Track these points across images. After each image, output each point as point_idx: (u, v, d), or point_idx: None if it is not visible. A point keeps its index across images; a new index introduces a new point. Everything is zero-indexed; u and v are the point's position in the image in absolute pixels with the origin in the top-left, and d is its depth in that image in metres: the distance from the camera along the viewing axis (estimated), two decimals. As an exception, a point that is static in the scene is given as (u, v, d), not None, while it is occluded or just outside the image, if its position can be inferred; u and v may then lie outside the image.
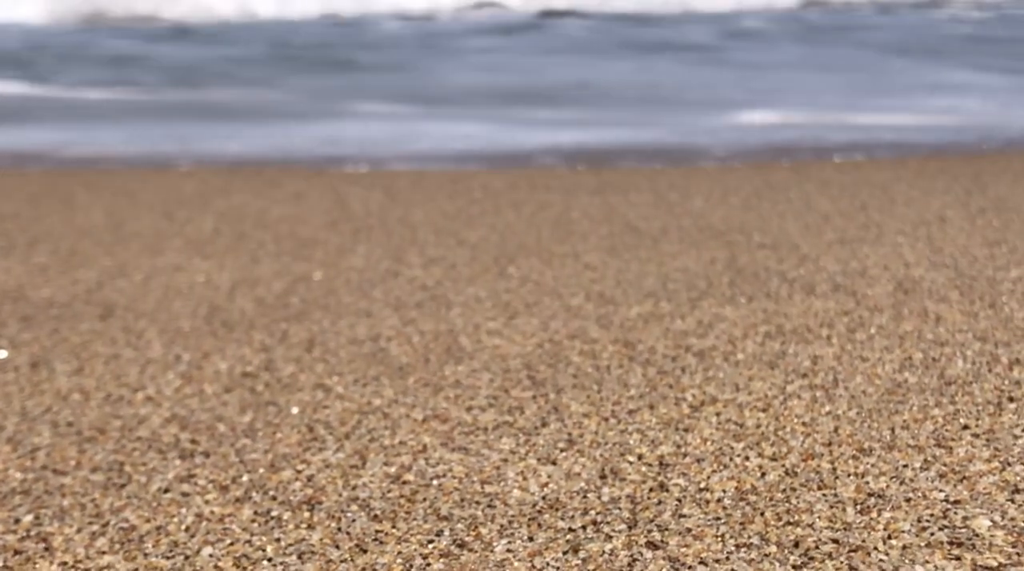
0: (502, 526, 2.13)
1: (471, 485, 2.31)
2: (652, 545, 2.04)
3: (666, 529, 2.10)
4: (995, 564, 1.93)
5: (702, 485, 2.28)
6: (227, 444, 2.56)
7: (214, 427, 2.67)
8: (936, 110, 8.55)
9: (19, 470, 2.46)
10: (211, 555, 2.06)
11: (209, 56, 13.09)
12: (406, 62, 12.48)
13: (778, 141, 7.28)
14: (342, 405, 2.78)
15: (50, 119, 8.63)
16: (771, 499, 2.20)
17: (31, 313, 3.66)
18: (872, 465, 2.34)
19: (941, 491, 2.21)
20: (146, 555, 2.07)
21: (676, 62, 12.26)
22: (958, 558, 1.95)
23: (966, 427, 2.53)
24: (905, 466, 2.33)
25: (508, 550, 2.04)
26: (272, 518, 2.19)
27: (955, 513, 2.11)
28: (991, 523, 2.07)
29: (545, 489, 2.28)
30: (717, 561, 1.97)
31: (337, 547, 2.07)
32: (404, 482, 2.34)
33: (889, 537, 2.03)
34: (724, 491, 2.25)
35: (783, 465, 2.36)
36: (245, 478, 2.38)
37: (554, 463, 2.41)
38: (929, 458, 2.37)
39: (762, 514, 2.14)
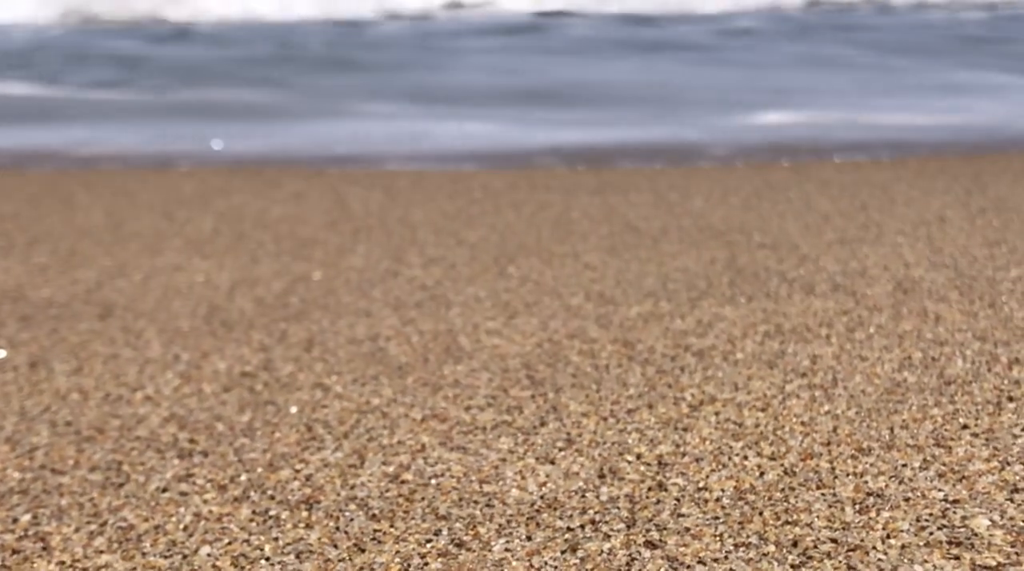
0: (500, 525, 2.13)
1: (469, 484, 2.31)
2: (650, 544, 2.04)
3: (664, 528, 2.09)
4: (994, 564, 1.92)
5: (701, 484, 2.28)
6: (225, 443, 2.56)
7: (213, 426, 2.66)
8: (937, 110, 8.55)
9: (17, 470, 2.46)
10: (209, 554, 2.06)
11: (212, 57, 13.09)
12: (410, 62, 12.49)
13: (787, 140, 7.27)
14: (341, 404, 2.78)
15: (59, 119, 8.64)
16: (770, 498, 2.20)
17: (30, 313, 3.66)
18: (871, 465, 2.34)
19: (940, 490, 2.20)
20: (144, 554, 2.06)
21: (679, 62, 12.26)
22: (957, 558, 1.95)
23: (965, 427, 2.52)
24: (904, 465, 2.33)
25: (506, 549, 2.04)
26: (270, 517, 2.19)
27: (954, 512, 2.11)
28: (990, 522, 2.07)
29: (543, 488, 2.28)
30: (715, 560, 1.97)
31: (335, 546, 2.07)
32: (402, 481, 2.33)
33: (888, 536, 2.03)
34: (723, 490, 2.24)
35: (782, 464, 2.35)
36: (243, 477, 2.38)
37: (553, 462, 2.41)
38: (928, 458, 2.36)
39: (761, 513, 2.14)
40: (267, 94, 10.05)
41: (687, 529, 2.09)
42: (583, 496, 2.24)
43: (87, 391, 2.93)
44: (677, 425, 2.58)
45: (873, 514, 2.12)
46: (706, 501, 2.20)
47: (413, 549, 2.05)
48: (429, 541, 2.08)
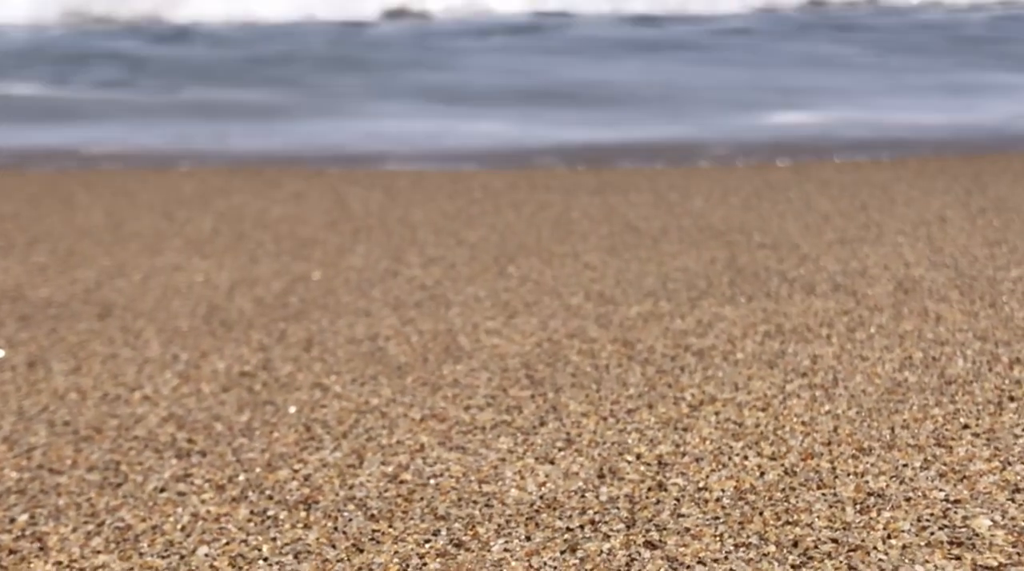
0: (499, 525, 2.12)
1: (468, 484, 2.30)
2: (650, 545, 2.03)
3: (664, 529, 2.09)
4: (995, 564, 1.91)
5: (701, 484, 2.27)
6: (224, 443, 2.55)
7: (211, 426, 2.66)
8: (937, 110, 8.54)
9: (15, 469, 2.45)
10: (207, 554, 2.05)
11: (214, 57, 13.08)
12: (413, 62, 12.48)
13: (787, 140, 7.27)
14: (340, 404, 2.77)
15: (68, 118, 8.64)
16: (770, 498, 2.19)
17: (29, 313, 3.65)
18: (872, 464, 2.33)
19: (941, 490, 2.20)
20: (141, 555, 2.06)
21: (680, 62, 12.25)
22: (958, 558, 1.94)
23: (966, 426, 2.51)
24: (905, 465, 2.32)
25: (505, 550, 2.03)
26: (268, 517, 2.18)
27: (955, 512, 2.10)
28: (991, 523, 2.06)
29: (543, 488, 2.27)
30: (715, 561, 1.96)
31: (333, 547, 2.06)
32: (401, 481, 2.33)
33: (889, 537, 2.02)
34: (723, 490, 2.24)
35: (782, 464, 2.35)
36: (241, 477, 2.37)
37: (552, 462, 2.40)
38: (929, 457, 2.35)
39: (761, 514, 2.13)
40: (272, 94, 10.04)
41: (687, 529, 2.08)
42: (583, 496, 2.23)
43: (85, 391, 2.92)
44: (677, 425, 2.58)
45: (874, 514, 2.11)
46: (706, 501, 2.19)
47: (412, 549, 2.04)
48: (428, 541, 2.07)
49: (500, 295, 3.70)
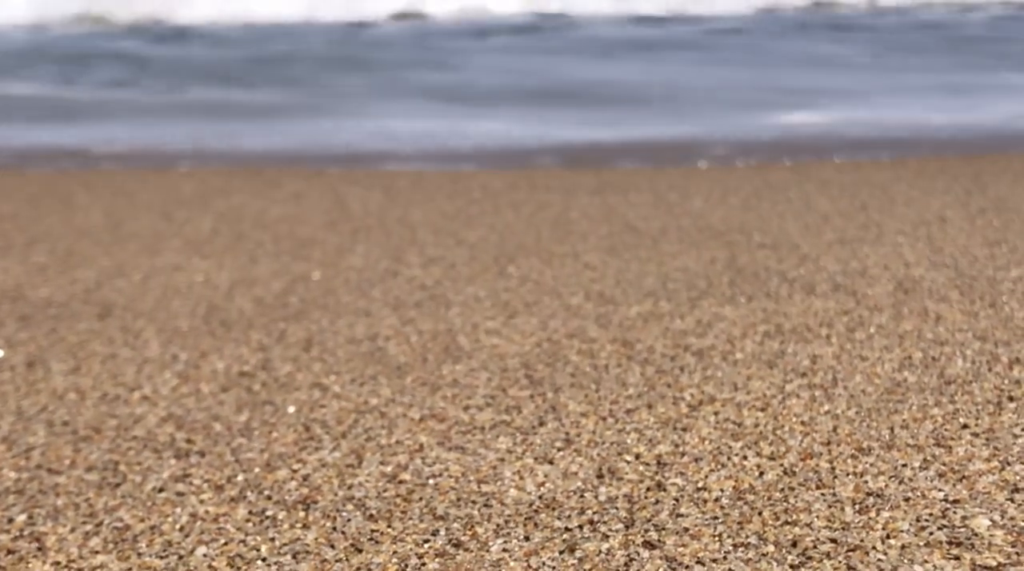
0: (498, 525, 2.12)
1: (467, 484, 2.30)
2: (649, 545, 2.03)
3: (663, 529, 2.08)
4: (994, 564, 1.91)
5: (700, 484, 2.26)
6: (223, 443, 2.55)
7: (210, 426, 2.65)
8: (937, 110, 8.54)
9: (13, 469, 2.45)
10: (205, 555, 2.04)
11: (217, 58, 13.08)
12: (417, 62, 12.47)
13: (787, 140, 7.26)
14: (339, 404, 2.77)
15: (77, 118, 8.65)
16: (769, 498, 2.19)
17: (29, 313, 3.65)
18: (871, 464, 2.33)
19: (940, 490, 2.19)
20: (139, 555, 2.05)
21: (681, 62, 12.25)
22: (957, 558, 1.94)
23: (965, 426, 2.51)
24: (904, 465, 2.31)
25: (504, 550, 2.03)
26: (267, 518, 2.18)
27: (954, 512, 2.10)
28: (990, 522, 2.06)
29: (542, 488, 2.27)
30: (714, 561, 1.96)
31: (332, 547, 2.06)
32: (400, 481, 2.32)
33: (888, 537, 2.02)
34: (722, 490, 2.23)
35: (781, 464, 2.34)
36: (240, 477, 2.37)
37: (551, 462, 2.39)
38: (928, 457, 2.35)
39: (760, 514, 2.13)
40: (273, 94, 10.04)
41: (686, 529, 2.08)
42: (581, 496, 2.23)
43: (84, 391, 2.92)
44: (676, 425, 2.57)
45: (873, 514, 2.11)
46: (705, 501, 2.19)
47: (410, 549, 2.04)
48: (427, 541, 2.07)
49: (500, 295, 3.70)
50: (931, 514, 2.10)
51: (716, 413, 2.63)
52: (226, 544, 2.08)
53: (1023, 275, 3.79)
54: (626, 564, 1.96)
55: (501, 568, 1.96)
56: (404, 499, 2.24)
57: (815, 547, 1.99)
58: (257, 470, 2.40)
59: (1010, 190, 5.31)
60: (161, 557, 2.04)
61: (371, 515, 2.18)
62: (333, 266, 4.14)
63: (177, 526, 2.16)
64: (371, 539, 2.08)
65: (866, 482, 2.24)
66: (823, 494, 2.20)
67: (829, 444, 2.44)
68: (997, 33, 15.52)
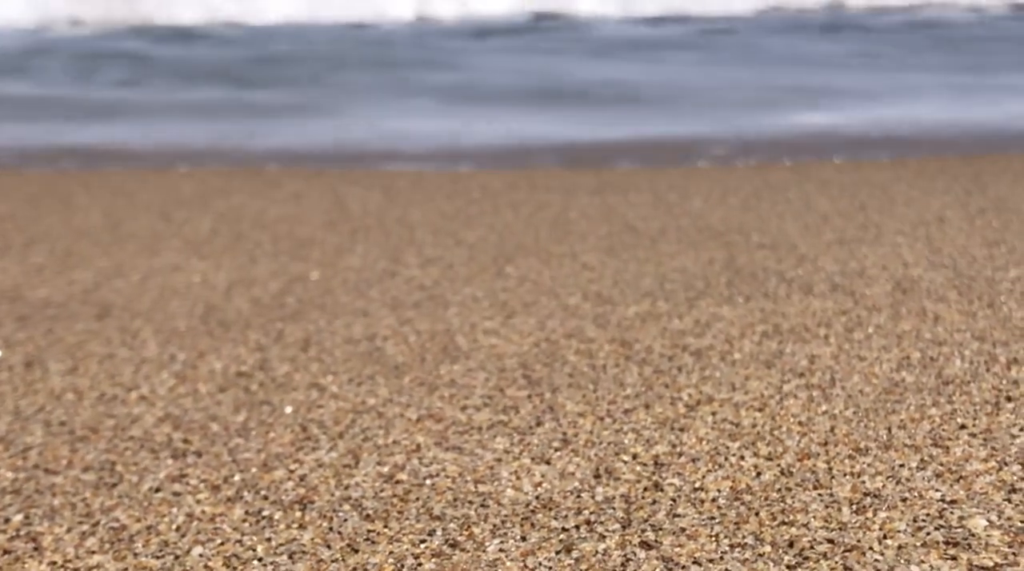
0: (495, 526, 2.12)
1: (464, 485, 2.30)
2: (646, 545, 2.02)
3: (660, 529, 2.08)
4: (991, 564, 1.91)
5: (697, 485, 2.26)
6: (220, 443, 2.55)
7: (207, 427, 2.65)
8: (937, 110, 8.53)
9: (10, 469, 2.44)
10: (201, 555, 2.04)
11: (219, 58, 13.08)
12: (422, 63, 12.47)
13: (787, 140, 7.26)
14: (336, 404, 2.77)
15: (93, 118, 8.67)
16: (766, 499, 2.19)
17: (27, 313, 3.65)
18: (868, 465, 2.32)
19: (937, 491, 2.19)
20: (136, 555, 2.05)
21: (684, 63, 12.25)
22: (954, 558, 1.93)
23: (963, 427, 2.51)
24: (902, 466, 2.31)
25: (500, 550, 2.02)
26: (263, 518, 2.18)
27: (951, 513, 2.10)
28: (987, 523, 2.05)
29: (539, 489, 2.27)
30: (711, 561, 1.96)
31: (328, 547, 2.06)
32: (397, 482, 2.32)
33: (885, 537, 2.02)
34: (719, 491, 2.23)
35: (779, 465, 2.34)
36: (237, 478, 2.37)
37: (548, 463, 2.39)
38: (926, 458, 2.35)
39: (757, 514, 2.12)
40: (275, 94, 10.04)
41: (683, 529, 2.08)
42: (578, 496, 2.23)
43: (82, 391, 2.92)
44: (674, 425, 2.57)
45: (870, 514, 2.10)
46: (702, 501, 2.19)
47: (407, 550, 2.04)
48: (423, 541, 2.07)
49: (498, 295, 3.70)
50: (928, 514, 2.09)
51: (714, 413, 2.63)
52: (222, 544, 2.08)
53: (1022, 275, 3.79)
54: (623, 564, 1.96)
55: (497, 568, 1.96)
56: (401, 499, 2.24)
57: (812, 547, 1.99)
58: (254, 470, 2.40)
59: (1010, 190, 5.31)
60: (157, 557, 2.04)
61: (368, 515, 2.17)
62: (331, 266, 4.14)
63: (173, 526, 2.16)
64: (367, 539, 2.08)
65: (863, 482, 2.24)
66: (820, 494, 2.20)
67: (826, 444, 2.43)
68: (997, 33, 15.51)
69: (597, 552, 2.00)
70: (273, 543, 2.08)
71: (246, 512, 2.21)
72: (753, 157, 6.70)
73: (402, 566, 1.98)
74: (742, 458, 2.38)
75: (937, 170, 5.95)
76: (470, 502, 2.22)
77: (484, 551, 2.02)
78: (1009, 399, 2.67)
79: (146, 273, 4.11)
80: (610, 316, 3.43)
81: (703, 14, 19.22)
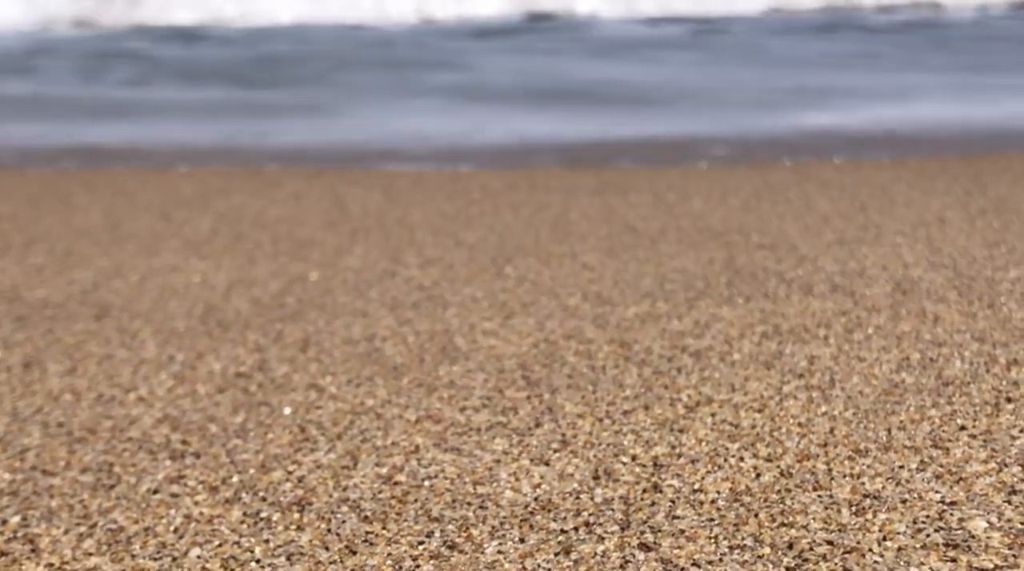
0: (493, 527, 2.11)
1: (463, 486, 2.29)
2: (645, 547, 2.02)
3: (659, 530, 2.08)
4: (991, 566, 1.90)
5: (696, 486, 2.26)
6: (218, 445, 2.54)
7: (205, 428, 2.65)
8: (937, 110, 8.53)
9: (8, 471, 2.44)
10: (199, 556, 2.04)
11: (228, 58, 13.08)
12: (428, 62, 12.47)
13: (787, 140, 7.25)
14: (335, 405, 2.76)
15: (101, 117, 8.68)
16: (765, 500, 2.18)
17: (25, 313, 3.65)
18: (868, 466, 2.32)
19: (937, 492, 2.19)
20: (133, 556, 2.05)
21: (686, 63, 12.24)
22: (954, 560, 1.93)
23: (963, 428, 2.50)
24: (901, 467, 2.31)
25: (499, 551, 2.02)
26: (261, 519, 2.17)
27: (951, 515, 2.09)
28: (987, 525, 2.05)
29: (538, 490, 2.26)
30: (710, 563, 1.95)
31: (326, 548, 2.05)
32: (395, 483, 2.32)
33: (884, 539, 2.01)
34: (718, 492, 2.23)
35: (778, 466, 2.34)
36: (235, 479, 2.36)
37: (547, 464, 2.39)
38: (926, 459, 2.34)
39: (756, 515, 2.12)
40: (277, 94, 10.04)
41: (682, 531, 2.07)
42: (577, 498, 2.22)
43: (80, 392, 2.91)
44: (673, 426, 2.57)
45: (870, 516, 2.10)
46: (701, 503, 2.18)
47: (405, 551, 2.03)
48: (421, 543, 2.06)
49: (497, 296, 3.69)
50: (928, 516, 2.09)
51: (713, 414, 2.63)
52: (220, 546, 2.08)
53: (1022, 276, 3.78)
54: (622, 566, 1.95)
55: (496, 570, 1.95)
56: (399, 501, 2.23)
57: (811, 549, 1.99)
58: (252, 471, 2.40)
59: (1010, 191, 5.30)
60: (155, 559, 2.04)
61: (366, 517, 2.17)
62: (331, 266, 4.13)
63: (171, 528, 2.15)
64: (365, 541, 2.07)
65: (863, 484, 2.23)
66: (820, 496, 2.19)
67: (826, 446, 2.43)
68: (997, 33, 15.51)
69: (596, 554, 2.00)
70: (271, 545, 2.07)
71: (244, 513, 2.20)
72: (753, 157, 6.70)
73: (400, 568, 1.97)
74: (741, 459, 2.37)
75: (937, 170, 5.95)
76: (469, 503, 2.21)
77: (483, 553, 2.02)
78: (1009, 400, 2.66)
79: (145, 273, 4.11)
80: (609, 317, 3.42)
81: (704, 15, 19.21)
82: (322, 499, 2.25)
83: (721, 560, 1.96)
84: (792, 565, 1.93)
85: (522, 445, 2.49)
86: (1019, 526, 2.04)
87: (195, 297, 3.79)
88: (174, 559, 2.03)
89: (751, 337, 3.19)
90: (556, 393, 2.80)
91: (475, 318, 3.45)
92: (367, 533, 2.10)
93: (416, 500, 2.23)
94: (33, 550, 2.08)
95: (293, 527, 2.14)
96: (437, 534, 2.09)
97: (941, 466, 2.31)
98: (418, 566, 1.98)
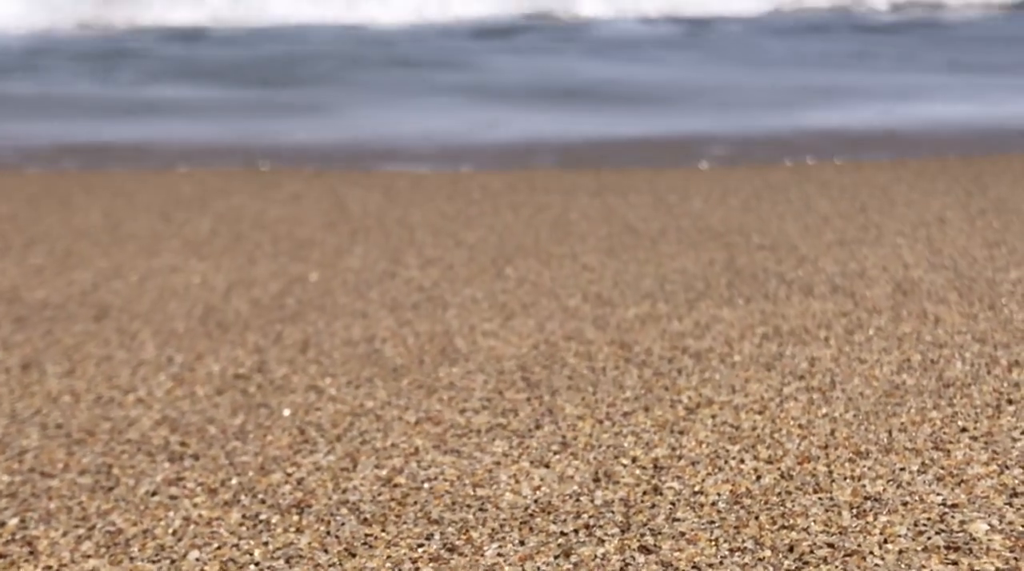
0: (493, 530, 2.10)
1: (463, 488, 2.29)
2: (645, 549, 2.01)
3: (659, 533, 2.07)
4: (992, 569, 1.90)
5: (696, 488, 2.25)
6: (217, 446, 2.54)
7: (204, 429, 2.64)
8: (937, 110, 8.52)
9: (6, 473, 2.43)
10: (198, 559, 2.03)
11: (229, 59, 13.07)
12: (423, 63, 12.47)
13: (788, 140, 7.25)
14: (334, 407, 2.75)
15: (112, 117, 8.69)
16: (766, 502, 2.17)
17: (25, 314, 3.64)
18: (869, 468, 2.31)
19: (938, 495, 2.18)
20: (132, 559, 2.04)
21: (687, 63, 12.24)
22: (955, 563, 1.92)
23: (964, 430, 2.50)
24: (902, 469, 2.30)
25: (499, 554, 2.01)
26: (260, 521, 2.17)
27: (952, 517, 2.08)
28: (989, 527, 2.04)
29: (537, 492, 2.26)
30: (710, 566, 1.95)
31: (325, 551, 2.05)
32: (395, 485, 2.31)
33: (885, 541, 2.00)
34: (719, 494, 2.22)
35: (779, 468, 2.33)
36: (234, 481, 2.35)
37: (547, 466, 2.38)
38: (927, 461, 2.34)
39: (757, 518, 2.11)
40: (290, 94, 10.04)
41: (682, 534, 2.06)
42: (577, 500, 2.22)
43: (79, 393, 2.91)
44: (673, 428, 2.56)
45: (871, 518, 2.09)
46: (702, 505, 2.18)
47: (404, 554, 2.03)
48: (421, 546, 2.05)
49: (497, 297, 3.68)
50: (929, 518, 2.08)
51: (713, 416, 2.62)
52: (219, 548, 2.07)
53: (1022, 277, 3.77)
54: (622, 569, 1.94)
55: (495, 573, 1.95)
56: (399, 503, 2.23)
57: (812, 552, 1.98)
58: (251, 474, 2.39)
59: (1010, 191, 5.30)
60: (153, 561, 2.03)
61: (365, 519, 2.16)
62: (331, 267, 4.13)
63: (170, 530, 2.15)
64: (365, 543, 2.07)
65: (864, 486, 2.23)
66: (820, 498, 2.18)
67: (827, 447, 2.42)
68: (997, 33, 15.50)
69: (596, 556, 1.99)
70: (270, 547, 2.07)
71: (243, 516, 2.19)
72: (753, 157, 6.69)
73: (399, 570, 1.97)
74: (742, 461, 2.37)
75: (937, 171, 5.94)
76: (468, 506, 2.21)
77: (482, 555, 2.01)
78: (1010, 402, 2.65)
79: (145, 274, 4.10)
80: (610, 318, 3.41)
81: (704, 15, 19.21)
82: (321, 501, 2.24)
83: (722, 563, 1.95)
84: (793, 568, 1.93)
85: (522, 447, 2.48)
86: (1020, 529, 2.03)
87: (194, 298, 3.78)
88: (173, 561, 2.03)
89: (751, 338, 3.18)
90: (556, 395, 2.79)
91: (475, 319, 3.44)
92: (366, 535, 2.10)
93: (416, 502, 2.23)
94: (31, 552, 2.08)
95: (292, 529, 2.13)
96: (437, 536, 2.09)
97: (942, 468, 2.30)
98: (417, 569, 1.97)
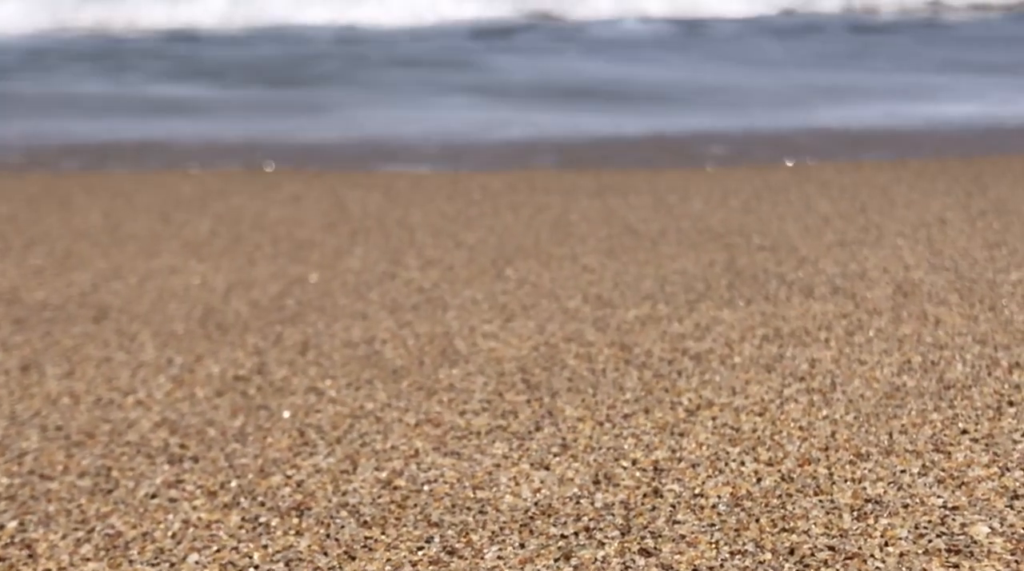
0: (493, 532, 2.10)
1: (463, 491, 2.28)
2: (645, 552, 2.01)
3: (660, 536, 2.07)
4: (993, 572, 1.89)
5: (697, 491, 2.25)
6: (216, 449, 2.53)
7: (204, 431, 2.64)
8: (937, 110, 8.52)
9: (5, 475, 2.43)
10: (197, 562, 2.03)
11: (229, 60, 13.07)
12: (424, 63, 12.47)
13: (788, 140, 7.24)
14: (334, 409, 2.75)
15: (114, 117, 8.71)
16: (766, 505, 2.17)
17: (24, 315, 3.64)
18: (869, 470, 2.31)
19: (939, 497, 2.18)
20: (131, 562, 2.04)
21: (687, 63, 12.24)
22: (956, 566, 1.92)
23: (965, 431, 2.49)
24: (903, 471, 2.30)
25: (499, 557, 2.01)
26: (260, 524, 2.16)
27: (953, 519, 2.08)
28: (990, 530, 2.04)
29: (538, 495, 2.25)
30: (711, 568, 1.94)
31: (325, 554, 2.04)
32: (395, 487, 2.31)
33: (886, 544, 2.00)
34: (719, 497, 2.21)
35: (779, 470, 2.33)
36: (234, 483, 2.35)
37: (547, 468, 2.38)
38: (927, 463, 2.33)
39: (757, 520, 2.11)
40: (292, 94, 10.04)
41: (682, 536, 2.06)
42: (577, 502, 2.21)
43: (78, 395, 2.90)
44: (674, 430, 2.56)
45: (871, 521, 2.09)
46: (702, 508, 2.17)
47: (404, 557, 2.02)
48: (420, 548, 2.05)
49: (497, 298, 3.68)
50: (930, 521, 2.08)
51: (714, 418, 2.62)
52: (218, 551, 2.07)
53: (1023, 278, 3.77)
54: (621, 572, 1.94)
55: (495, 576, 1.94)
56: (398, 505, 2.22)
57: (812, 555, 1.98)
58: (251, 476, 2.38)
59: (1011, 192, 5.29)
60: (153, 564, 2.03)
61: (365, 522, 2.16)
62: (331, 268, 4.12)
63: (169, 533, 2.14)
64: (364, 546, 2.06)
65: (864, 488, 2.22)
66: (821, 500, 2.18)
67: (827, 450, 2.42)
68: (997, 33, 15.50)
69: (596, 559, 1.99)
70: (270, 550, 2.06)
71: (243, 519, 2.19)
72: (754, 157, 6.69)
73: (399, 574, 1.96)
74: (742, 463, 2.36)
75: (938, 171, 5.94)
76: (468, 508, 2.20)
77: (482, 558, 2.01)
78: (1011, 404, 2.65)
79: (144, 275, 4.10)
80: (610, 319, 3.41)
81: (704, 15, 19.20)
82: (321, 504, 2.24)
83: (722, 566, 1.95)
84: (794, 570, 1.92)
85: (522, 449, 2.48)
86: (1021, 531, 2.03)
87: (194, 299, 3.78)
88: (172, 565, 2.02)
89: (752, 340, 3.18)
90: (556, 396, 2.79)
91: (475, 320, 3.44)
92: (366, 538, 2.09)
93: (415, 505, 2.22)
94: (30, 555, 2.07)
95: (292, 532, 2.13)
96: (436, 539, 2.08)
97: (943, 470, 2.30)
98: (417, 572, 1.97)
